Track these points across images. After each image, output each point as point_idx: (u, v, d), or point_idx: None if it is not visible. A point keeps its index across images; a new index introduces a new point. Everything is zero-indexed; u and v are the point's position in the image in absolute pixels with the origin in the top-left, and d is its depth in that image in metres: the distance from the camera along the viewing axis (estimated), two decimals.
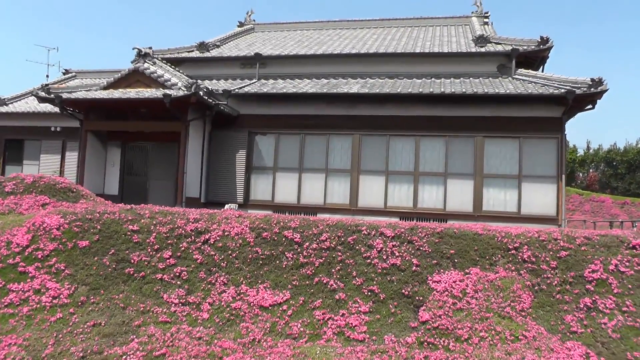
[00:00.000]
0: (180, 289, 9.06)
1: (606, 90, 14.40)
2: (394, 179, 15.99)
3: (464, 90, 15.27)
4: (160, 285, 9.14)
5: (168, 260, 9.53)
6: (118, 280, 9.23)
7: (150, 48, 16.93)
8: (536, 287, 8.95)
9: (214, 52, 19.64)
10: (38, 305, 8.58)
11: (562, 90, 14.63)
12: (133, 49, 16.58)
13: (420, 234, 9.83)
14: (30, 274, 9.15)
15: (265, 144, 17.13)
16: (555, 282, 9.00)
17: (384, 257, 9.43)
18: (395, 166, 16.02)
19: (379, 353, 7.61)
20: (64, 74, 22.01)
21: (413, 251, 9.57)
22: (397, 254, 9.50)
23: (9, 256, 9.44)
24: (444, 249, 9.59)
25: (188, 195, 15.77)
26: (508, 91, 14.93)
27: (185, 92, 14.50)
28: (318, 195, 16.38)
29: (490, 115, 15.64)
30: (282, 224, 10.12)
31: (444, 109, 15.80)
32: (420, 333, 8.11)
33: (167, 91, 14.77)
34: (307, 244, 9.71)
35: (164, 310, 8.64)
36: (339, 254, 9.53)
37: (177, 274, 9.33)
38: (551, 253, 9.43)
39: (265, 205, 16.10)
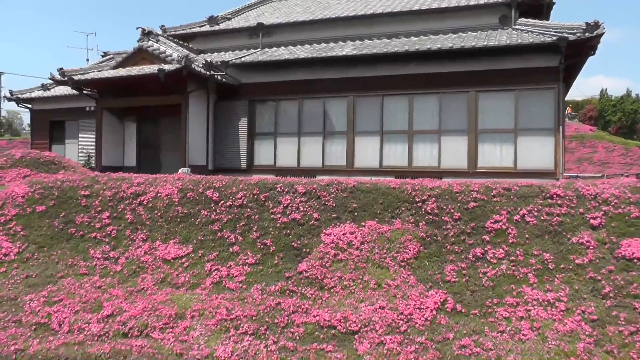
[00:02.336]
0: (107, 246, 10.53)
1: (602, 33, 13.35)
2: (389, 138, 16.18)
3: (451, 45, 14.93)
4: (92, 242, 10.69)
5: (104, 221, 11.05)
6: (62, 239, 10.94)
7: (163, 26, 18.50)
8: (429, 239, 9.10)
9: (222, 25, 20.88)
10: None
11: (554, 38, 13.75)
12: (137, 28, 18.39)
13: (330, 190, 10.33)
14: None
15: (265, 111, 18.15)
16: (452, 233, 9.08)
17: (287, 213, 10.11)
18: (390, 126, 16.19)
19: (238, 300, 8.44)
20: (102, 56, 24.61)
21: (318, 206, 10.12)
22: (301, 209, 10.12)
23: None
24: (348, 203, 10.03)
25: (195, 163, 17.31)
26: (498, 43, 14.34)
27: (177, 66, 15.94)
28: (316, 158, 17.13)
29: (484, 69, 15.11)
30: (207, 184, 11.17)
31: (437, 66, 15.55)
32: (288, 282, 8.78)
33: (163, 66, 16.36)
34: (223, 202, 10.67)
35: (87, 264, 10.17)
36: (249, 210, 10.38)
37: (109, 232, 10.81)
38: (459, 205, 9.47)
39: (268, 170, 17.14)
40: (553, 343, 6.62)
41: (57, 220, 11.20)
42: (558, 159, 14.12)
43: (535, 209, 8.99)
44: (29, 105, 23.03)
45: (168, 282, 9.31)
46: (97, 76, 16.98)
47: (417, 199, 9.71)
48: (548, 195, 9.19)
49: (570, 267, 7.97)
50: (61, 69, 17.72)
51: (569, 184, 9.40)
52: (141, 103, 17.95)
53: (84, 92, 18.45)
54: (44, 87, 22.45)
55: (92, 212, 11.27)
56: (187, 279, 9.26)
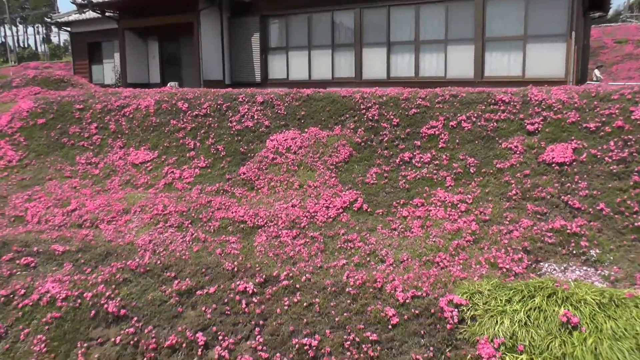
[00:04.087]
0: (91, 153, 12.01)
1: None
2: (396, 49, 16.30)
3: None
4: (80, 150, 12.20)
5: (92, 131, 12.49)
6: (56, 147, 12.55)
7: None
8: (363, 144, 9.73)
9: None
10: None
11: None
12: None
13: (286, 99, 11.07)
14: None
15: (277, 26, 18.68)
16: (387, 138, 9.65)
17: (242, 121, 11.03)
18: (396, 37, 16.25)
19: (177, 198, 9.62)
20: None
21: (271, 114, 10.94)
22: (255, 117, 10.99)
23: None
24: (298, 112, 10.76)
25: (211, 78, 18.43)
26: None
27: None
28: (326, 70, 17.66)
29: None
30: (181, 96, 12.25)
31: None
32: (226, 183, 9.82)
33: None
34: (190, 112, 11.73)
35: (72, 169, 11.71)
36: (210, 119, 11.39)
37: (94, 141, 12.27)
38: (401, 111, 9.95)
39: (281, 83, 17.86)
40: (432, 240, 7.22)
41: (53, 132, 12.78)
42: (569, 66, 13.76)
43: (475, 115, 9.31)
44: (68, 29, 24.89)
45: (131, 183, 10.63)
46: None
47: (362, 107, 10.26)
48: (493, 101, 9.44)
49: (491, 171, 8.38)
50: None
51: (522, 91, 9.55)
52: (157, 22, 19.07)
53: (106, 14, 19.82)
54: (80, 10, 24.08)
55: (84, 123, 12.73)
56: (146, 181, 10.54)
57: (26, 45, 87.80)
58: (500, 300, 5.29)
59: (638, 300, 4.94)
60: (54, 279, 7.23)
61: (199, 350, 5.82)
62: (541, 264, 6.27)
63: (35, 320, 6.75)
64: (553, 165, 7.91)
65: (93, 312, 6.58)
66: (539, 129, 8.67)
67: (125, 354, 6.06)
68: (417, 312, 5.58)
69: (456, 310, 5.40)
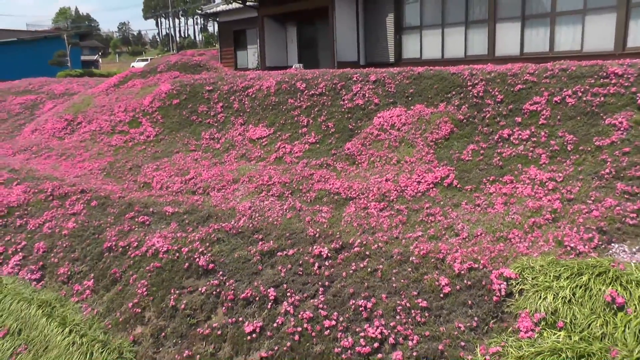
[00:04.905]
0: (214, 129, 13.19)
1: None
2: (530, 23, 15.56)
3: None
4: (205, 127, 13.45)
5: (217, 109, 13.68)
6: (186, 124, 13.95)
7: None
8: (465, 121, 9.69)
9: None
10: (136, 141, 14.06)
11: None
12: None
13: (397, 78, 11.30)
14: (142, 123, 14.71)
15: (411, 6, 18.73)
16: (489, 115, 9.53)
17: (354, 99, 11.45)
18: (531, 10, 15.57)
19: (284, 171, 10.29)
20: None
21: (381, 92, 11.22)
22: (366, 95, 11.34)
23: (137, 112, 15.21)
24: (406, 89, 10.93)
25: (345, 59, 19.03)
26: None
27: None
28: (459, 48, 17.37)
29: None
30: (300, 76, 12.96)
31: None
32: (330, 158, 10.31)
33: None
34: (307, 91, 12.39)
35: (196, 143, 12.97)
36: (325, 97, 11.95)
37: (219, 119, 13.44)
38: (507, 87, 9.77)
39: (415, 62, 17.84)
40: (511, 217, 7.10)
41: (185, 110, 14.20)
42: None
43: (582, 90, 8.89)
44: (217, 19, 26.96)
45: (245, 156, 11.56)
46: None
47: (469, 83, 10.19)
48: (605, 74, 8.95)
49: (589, 149, 7.99)
50: None
51: (638, 63, 8.97)
52: (293, 8, 20.09)
53: (247, 3, 21.27)
54: (226, 1, 25.96)
55: (211, 103, 13.99)
56: (259, 155, 11.39)
57: (186, 35, 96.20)
58: (549, 276, 5.17)
59: None
60: (160, 235, 8.21)
61: (269, 304, 6.36)
62: (612, 244, 5.93)
63: (142, 268, 7.75)
64: None
65: (187, 264, 7.40)
66: None
67: (208, 302, 6.79)
68: (469, 283, 5.62)
69: (505, 283, 5.37)
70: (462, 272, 5.77)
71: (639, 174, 7.02)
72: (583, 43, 14.83)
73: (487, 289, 5.44)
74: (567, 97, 8.85)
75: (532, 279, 5.25)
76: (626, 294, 4.72)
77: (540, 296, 5.03)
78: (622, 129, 7.89)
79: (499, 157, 8.57)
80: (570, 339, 4.63)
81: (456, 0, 17.56)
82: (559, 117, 8.66)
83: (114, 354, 6.63)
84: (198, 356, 6.22)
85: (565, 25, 15.13)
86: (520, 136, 8.75)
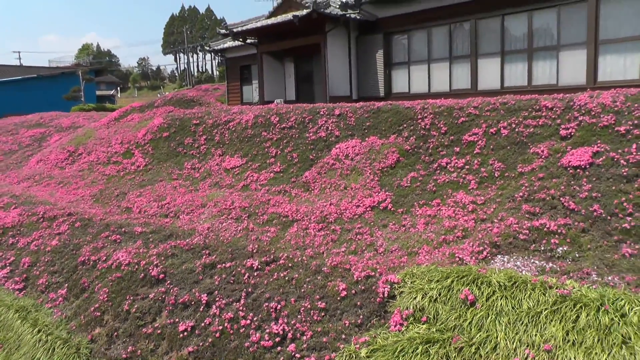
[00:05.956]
0: (196, 160, 14.44)
1: None
2: (509, 59, 16.62)
3: None
4: (189, 157, 14.72)
5: (201, 142, 14.97)
6: (172, 155, 15.24)
7: None
8: (411, 151, 10.74)
9: None
10: (127, 170, 15.39)
11: None
12: None
13: (358, 112, 12.45)
14: (134, 154, 16.06)
15: (399, 42, 19.90)
16: (432, 145, 10.59)
17: (318, 132, 12.60)
18: (510, 46, 16.59)
19: (246, 197, 11.43)
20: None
21: (343, 125, 12.37)
22: (329, 128, 12.50)
23: (131, 144, 16.59)
24: (364, 122, 12.06)
25: (337, 94, 20.24)
26: None
27: (307, 11, 18.88)
28: (444, 82, 18.50)
29: None
30: (275, 111, 14.20)
31: None
32: (288, 185, 11.43)
33: (296, 13, 19.50)
34: (279, 124, 13.61)
35: (179, 172, 14.21)
36: (294, 130, 13.13)
37: (201, 150, 14.71)
38: (452, 120, 10.83)
39: (403, 97, 18.87)
40: (427, 235, 8.08)
41: (173, 143, 15.52)
42: None
43: (516, 122, 9.91)
44: (225, 55, 28.65)
45: (218, 184, 12.73)
46: (250, 27, 21.05)
47: (419, 116, 11.27)
48: (538, 107, 9.97)
49: (513, 175, 8.97)
50: (225, 24, 22.28)
51: (568, 97, 9.96)
52: (289, 45, 21.57)
53: (247, 41, 22.85)
54: (235, 37, 27.67)
55: (196, 135, 15.28)
56: (230, 182, 12.56)
57: (204, 70, 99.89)
58: (424, 280, 6.15)
59: (541, 284, 5.53)
60: (125, 251, 9.35)
61: (202, 307, 7.42)
62: (498, 256, 6.86)
63: (106, 278, 8.88)
64: (568, 168, 8.27)
65: (142, 275, 8.51)
66: (572, 133, 9.01)
67: (155, 306, 7.86)
68: (363, 287, 6.61)
69: (389, 287, 6.33)
70: (360, 279, 6.77)
71: (543, 196, 7.96)
72: (558, 77, 15.87)
73: (375, 292, 6.42)
74: (502, 128, 9.86)
75: (411, 282, 6.23)
76: (478, 292, 5.68)
77: (413, 296, 6.00)
78: (543, 157, 8.86)
79: (433, 183, 9.56)
80: (429, 330, 5.59)
81: (441, 36, 18.78)
82: (492, 146, 9.66)
83: (72, 349, 7.72)
84: (139, 351, 7.26)
85: (542, 61, 16.17)
86: (456, 164, 9.75)
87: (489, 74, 17.53)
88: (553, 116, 9.56)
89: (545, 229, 7.15)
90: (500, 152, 9.52)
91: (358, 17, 19.86)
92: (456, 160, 9.84)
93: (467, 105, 10.82)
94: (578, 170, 8.16)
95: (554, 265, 6.39)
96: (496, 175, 9.09)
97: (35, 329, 8.26)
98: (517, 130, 9.70)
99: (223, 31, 22.09)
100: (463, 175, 9.46)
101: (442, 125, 10.70)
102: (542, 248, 6.89)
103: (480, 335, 5.20)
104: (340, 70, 20.70)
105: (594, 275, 6.08)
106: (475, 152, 9.79)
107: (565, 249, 6.79)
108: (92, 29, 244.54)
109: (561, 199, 7.73)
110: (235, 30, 21.46)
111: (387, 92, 20.38)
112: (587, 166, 8.15)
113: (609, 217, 7.21)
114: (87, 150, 17.66)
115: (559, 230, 7.07)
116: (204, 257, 8.58)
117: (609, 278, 6.00)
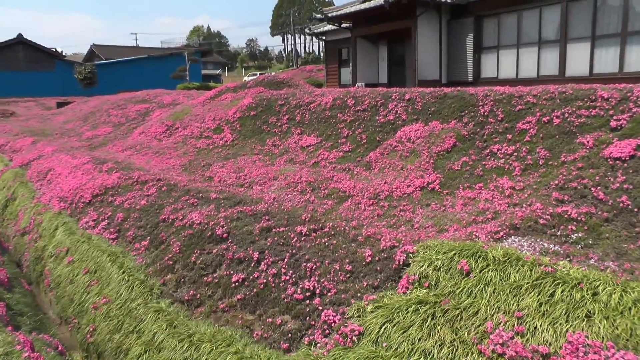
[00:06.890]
0: (276, 137, 15.74)
1: None
2: (600, 43, 16.24)
3: None
4: (271, 135, 16.05)
5: (283, 121, 16.25)
6: (257, 133, 16.65)
7: None
8: (468, 136, 11.38)
9: None
10: (216, 145, 17.00)
11: None
12: None
13: (426, 97, 13.18)
14: (223, 130, 17.66)
15: (489, 26, 20.05)
16: (488, 132, 11.16)
17: (387, 115, 13.46)
18: (601, 30, 16.19)
19: (313, 172, 12.54)
20: None
21: (410, 109, 13.15)
22: (398, 112, 13.33)
23: (222, 121, 18.21)
24: (430, 107, 12.76)
25: (426, 77, 20.76)
26: None
27: None
28: (532, 68, 18.45)
29: None
30: (352, 94, 15.19)
31: None
32: (353, 164, 12.43)
33: None
34: (354, 107, 14.59)
35: (260, 148, 15.59)
36: (366, 113, 14.07)
37: (282, 129, 15.99)
38: (509, 107, 11.35)
39: (491, 82, 18.83)
40: (460, 215, 8.83)
41: (258, 121, 16.93)
42: None
43: (569, 111, 10.29)
44: (324, 38, 29.91)
45: (292, 160, 13.95)
46: (344, 12, 22.11)
47: (480, 103, 11.85)
48: (593, 97, 10.29)
49: (556, 163, 9.44)
50: (321, 9, 23.44)
51: (627, 88, 10.19)
52: (382, 29, 22.40)
53: (342, 25, 23.91)
54: (336, 22, 28.81)
55: (280, 115, 16.59)
56: (303, 159, 13.73)
57: (311, 51, 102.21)
58: (433, 251, 6.97)
59: (532, 262, 6.19)
60: (198, 212, 10.79)
61: (253, 263, 8.65)
62: (512, 237, 7.49)
63: (180, 234, 10.36)
64: (609, 160, 8.59)
65: (209, 233, 9.89)
66: (623, 125, 9.24)
67: (216, 260, 9.19)
68: (386, 255, 7.51)
69: (404, 255, 7.21)
70: (385, 248, 7.67)
71: (575, 185, 8.44)
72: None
73: (393, 259, 7.33)
74: (554, 117, 10.27)
75: (423, 253, 7.08)
76: (474, 264, 6.45)
77: (420, 265, 6.86)
78: (587, 147, 9.25)
79: (481, 168, 10.19)
80: (428, 294, 6.46)
81: (530, 19, 18.77)
82: (542, 135, 10.12)
83: (147, 289, 9.23)
84: (199, 295, 8.62)
85: (637, 45, 15.74)
86: (506, 151, 10.30)
87: (578, 59, 17.34)
88: (607, 107, 9.81)
89: (566, 216, 7.66)
90: (549, 141, 9.93)
91: (449, 1, 20.25)
92: (507, 147, 10.36)
93: (527, 93, 11.23)
94: (617, 161, 8.48)
95: (559, 249, 6.97)
96: (540, 163, 9.55)
97: (121, 270, 9.85)
98: (568, 119, 10.05)
99: (319, 16, 23.23)
100: (510, 162, 9.98)
101: (499, 113, 11.20)
102: (559, 233, 7.42)
103: (467, 301, 5.99)
104: (430, 54, 21.23)
105: (593, 260, 6.60)
106: (525, 139, 10.26)
107: (580, 235, 7.28)
108: (204, 12, 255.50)
109: (592, 189, 8.15)
110: (330, 15, 22.55)
111: (476, 77, 20.66)
112: (628, 158, 8.44)
113: (635, 209, 7.56)
114: (183, 125, 19.53)
115: (579, 218, 7.55)
116: (262, 221, 9.77)
117: (608, 264, 6.51)
